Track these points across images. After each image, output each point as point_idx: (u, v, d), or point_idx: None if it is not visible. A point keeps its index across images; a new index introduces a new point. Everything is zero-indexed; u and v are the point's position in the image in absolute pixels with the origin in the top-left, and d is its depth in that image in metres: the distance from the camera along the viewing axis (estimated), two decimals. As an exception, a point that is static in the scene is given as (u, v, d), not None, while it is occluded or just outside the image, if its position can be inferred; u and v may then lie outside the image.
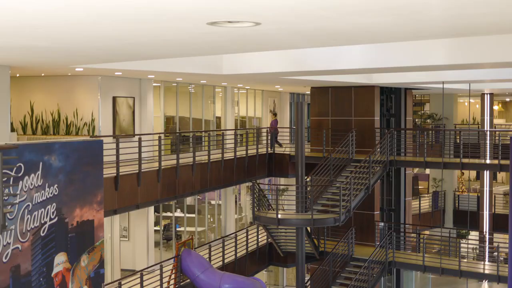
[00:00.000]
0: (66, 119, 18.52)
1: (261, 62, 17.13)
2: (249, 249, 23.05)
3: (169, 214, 24.72)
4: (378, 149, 22.63)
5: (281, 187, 29.43)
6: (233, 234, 22.30)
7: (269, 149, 24.45)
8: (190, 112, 23.40)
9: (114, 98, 18.90)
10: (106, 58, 13.26)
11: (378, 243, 24.74)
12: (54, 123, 18.51)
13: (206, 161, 19.67)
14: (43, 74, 18.28)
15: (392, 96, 26.66)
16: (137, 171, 16.21)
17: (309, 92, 27.28)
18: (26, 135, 18.51)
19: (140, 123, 20.13)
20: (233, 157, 21.48)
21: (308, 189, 21.09)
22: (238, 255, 21.94)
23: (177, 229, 24.66)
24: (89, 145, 14.41)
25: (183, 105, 23.23)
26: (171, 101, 22.77)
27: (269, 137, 24.15)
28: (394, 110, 26.76)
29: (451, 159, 23.15)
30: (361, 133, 24.28)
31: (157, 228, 22.88)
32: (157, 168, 17.09)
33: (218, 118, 26.40)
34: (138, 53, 11.72)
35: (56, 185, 12.96)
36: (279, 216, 20.11)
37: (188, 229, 24.90)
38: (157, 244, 22.19)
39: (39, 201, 12.64)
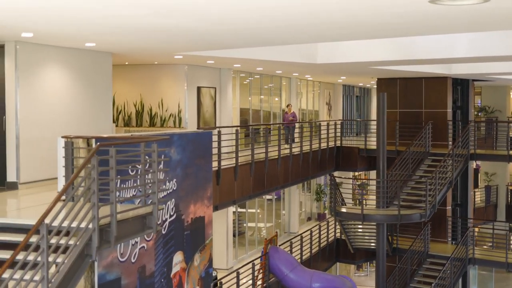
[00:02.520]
0: (150, 110, 17.67)
1: (360, 50, 16.29)
2: (315, 246, 22.26)
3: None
4: (460, 142, 21.77)
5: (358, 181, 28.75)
6: (308, 231, 21.47)
7: (337, 142, 23.61)
8: (261, 104, 22.55)
9: (198, 88, 18.06)
10: (225, 44, 12.52)
11: (449, 239, 23.96)
12: (138, 114, 17.65)
13: (288, 154, 18.87)
14: (126, 63, 17.42)
15: (458, 88, 25.80)
16: (234, 164, 15.42)
17: (359, 84, 26.56)
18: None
19: (220, 115, 19.30)
20: (307, 151, 20.63)
21: (389, 184, 20.27)
22: (307, 252, 21.16)
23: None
24: (200, 137, 13.64)
25: (255, 95, 22.40)
26: (243, 93, 21.91)
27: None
28: (460, 102, 25.90)
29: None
30: (433, 126, 23.39)
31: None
32: (250, 162, 16.28)
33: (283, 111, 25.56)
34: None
35: (175, 180, 12.17)
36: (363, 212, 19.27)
37: (250, 225, 24.09)
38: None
39: (161, 196, 11.86)
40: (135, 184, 9.20)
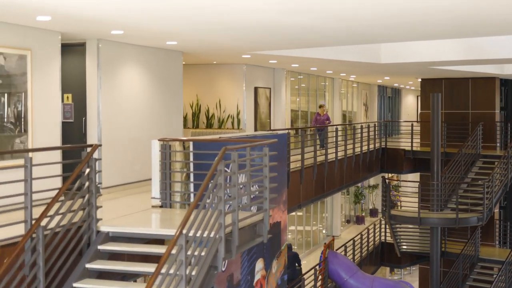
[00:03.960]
0: (207, 111, 17.16)
1: (424, 50, 15.78)
2: (364, 249, 21.78)
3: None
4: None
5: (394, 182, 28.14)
6: (359, 235, 20.98)
7: (382, 143, 23.08)
8: (308, 105, 22.05)
9: (255, 89, 17.56)
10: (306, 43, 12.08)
11: (497, 243, 23.47)
12: (194, 115, 17.15)
13: (343, 156, 18.35)
14: (184, 63, 16.90)
15: (502, 88, 25.26)
16: (300, 168, 14.92)
17: (395, 85, 25.95)
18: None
19: (274, 116, 18.80)
20: (356, 154, 20.10)
21: (443, 186, 19.77)
22: (358, 256, 20.68)
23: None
24: (278, 138, 13.18)
25: (303, 96, 21.89)
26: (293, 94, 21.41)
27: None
28: (504, 103, 25.38)
29: None
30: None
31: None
32: (312, 164, 15.78)
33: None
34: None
35: (256, 184, 11.68)
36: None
37: (291, 228, 23.58)
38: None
39: (245, 202, 11.39)
40: (253, 190, 8.67)
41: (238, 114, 16.92)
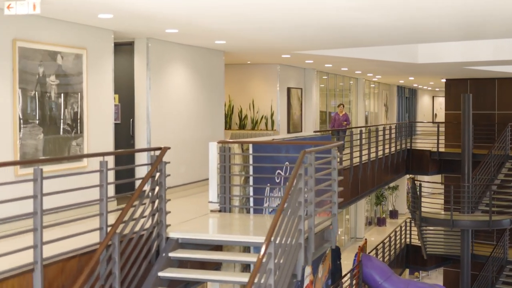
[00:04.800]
0: (240, 111, 16.84)
1: (461, 50, 15.49)
2: (391, 252, 21.49)
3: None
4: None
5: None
6: (388, 237, 20.68)
7: (407, 145, 22.75)
8: (327, 105, 21.68)
9: (288, 89, 17.25)
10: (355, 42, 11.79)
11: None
12: (227, 116, 16.82)
13: (374, 158, 18.04)
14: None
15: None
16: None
17: (414, 85, 25.59)
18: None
19: (305, 117, 18.49)
20: (384, 155, 19.79)
21: (474, 188, 19.48)
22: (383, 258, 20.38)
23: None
24: (322, 141, 12.92)
25: (330, 97, 21.58)
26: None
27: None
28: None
29: None
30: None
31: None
32: (349, 166, 15.46)
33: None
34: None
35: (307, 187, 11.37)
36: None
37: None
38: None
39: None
40: (325, 194, 8.36)
41: (272, 115, 16.60)
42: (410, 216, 22.35)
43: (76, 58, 8.85)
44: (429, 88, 35.42)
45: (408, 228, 23.51)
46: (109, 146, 9.58)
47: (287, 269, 6.65)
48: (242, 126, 16.69)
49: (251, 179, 9.28)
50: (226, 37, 10.98)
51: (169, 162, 7.56)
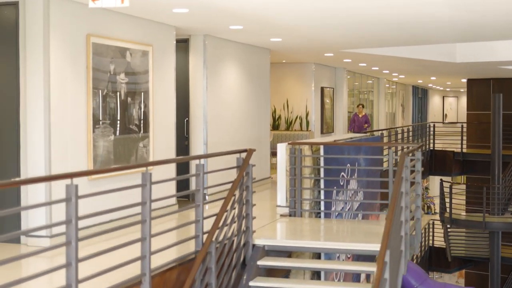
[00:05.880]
0: (274, 111, 16.42)
1: (500, 49, 15.18)
2: (420, 254, 21.17)
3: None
4: None
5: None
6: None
7: (430, 145, 22.43)
8: (335, 106, 21.28)
9: (322, 89, 16.86)
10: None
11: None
12: (259, 116, 16.41)
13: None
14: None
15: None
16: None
17: (429, 85, 25.15)
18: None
19: (336, 117, 18.10)
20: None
21: (502, 190, 19.16)
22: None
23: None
24: (373, 141, 12.59)
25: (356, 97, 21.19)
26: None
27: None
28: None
29: None
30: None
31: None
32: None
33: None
34: None
35: (361, 189, 11.03)
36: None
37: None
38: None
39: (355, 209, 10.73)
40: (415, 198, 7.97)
41: (307, 115, 16.20)
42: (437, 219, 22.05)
43: (143, 55, 8.42)
44: (441, 88, 35.14)
45: (431, 230, 23.20)
46: (172, 147, 9.16)
47: (394, 278, 6.27)
48: (275, 127, 16.28)
49: (321, 182, 8.91)
50: (285, 34, 10.56)
51: (254, 165, 7.13)
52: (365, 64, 17.17)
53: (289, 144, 8.77)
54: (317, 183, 9.02)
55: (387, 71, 20.79)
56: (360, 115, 17.41)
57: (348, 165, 9.96)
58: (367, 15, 8.69)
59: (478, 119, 23.87)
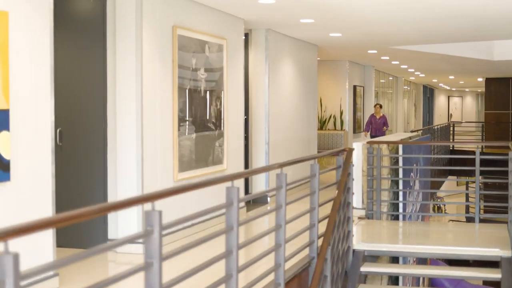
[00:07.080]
0: (307, 110, 16.00)
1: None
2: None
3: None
4: None
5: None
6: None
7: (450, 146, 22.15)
8: (363, 105, 20.91)
9: (354, 88, 16.48)
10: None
11: None
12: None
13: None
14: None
15: None
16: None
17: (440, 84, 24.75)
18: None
19: (365, 116, 17.72)
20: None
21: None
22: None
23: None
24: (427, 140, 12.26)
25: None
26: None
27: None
28: None
29: None
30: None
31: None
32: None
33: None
34: None
35: (421, 189, 10.69)
36: None
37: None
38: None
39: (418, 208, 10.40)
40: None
41: (341, 114, 15.80)
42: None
43: (219, 49, 7.97)
44: (447, 88, 34.94)
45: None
46: (241, 147, 8.73)
47: None
48: (308, 126, 15.86)
49: (400, 182, 8.54)
50: (347, 28, 10.15)
51: (353, 165, 6.72)
52: (397, 62, 16.81)
53: (368, 142, 8.38)
54: (392, 184, 8.65)
55: (412, 70, 20.47)
56: (377, 116, 15.44)
57: (414, 165, 9.63)
58: (446, 7, 8.32)
59: (498, 118, 23.64)
